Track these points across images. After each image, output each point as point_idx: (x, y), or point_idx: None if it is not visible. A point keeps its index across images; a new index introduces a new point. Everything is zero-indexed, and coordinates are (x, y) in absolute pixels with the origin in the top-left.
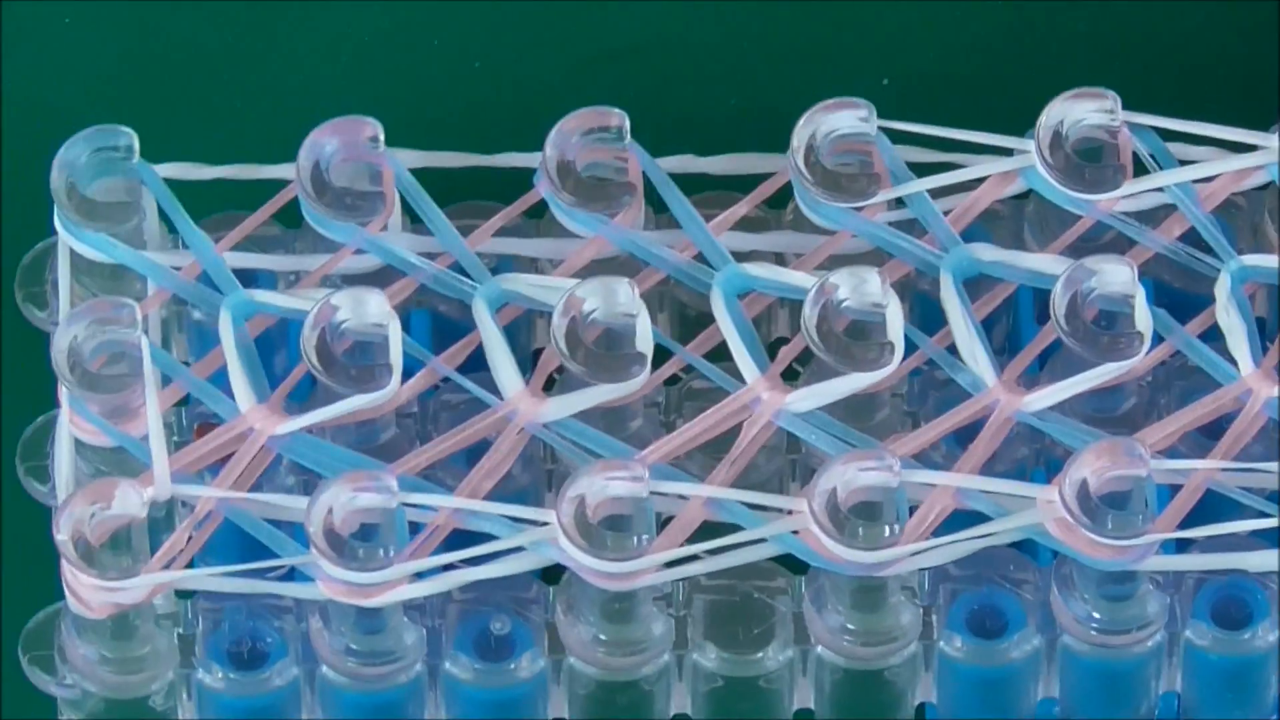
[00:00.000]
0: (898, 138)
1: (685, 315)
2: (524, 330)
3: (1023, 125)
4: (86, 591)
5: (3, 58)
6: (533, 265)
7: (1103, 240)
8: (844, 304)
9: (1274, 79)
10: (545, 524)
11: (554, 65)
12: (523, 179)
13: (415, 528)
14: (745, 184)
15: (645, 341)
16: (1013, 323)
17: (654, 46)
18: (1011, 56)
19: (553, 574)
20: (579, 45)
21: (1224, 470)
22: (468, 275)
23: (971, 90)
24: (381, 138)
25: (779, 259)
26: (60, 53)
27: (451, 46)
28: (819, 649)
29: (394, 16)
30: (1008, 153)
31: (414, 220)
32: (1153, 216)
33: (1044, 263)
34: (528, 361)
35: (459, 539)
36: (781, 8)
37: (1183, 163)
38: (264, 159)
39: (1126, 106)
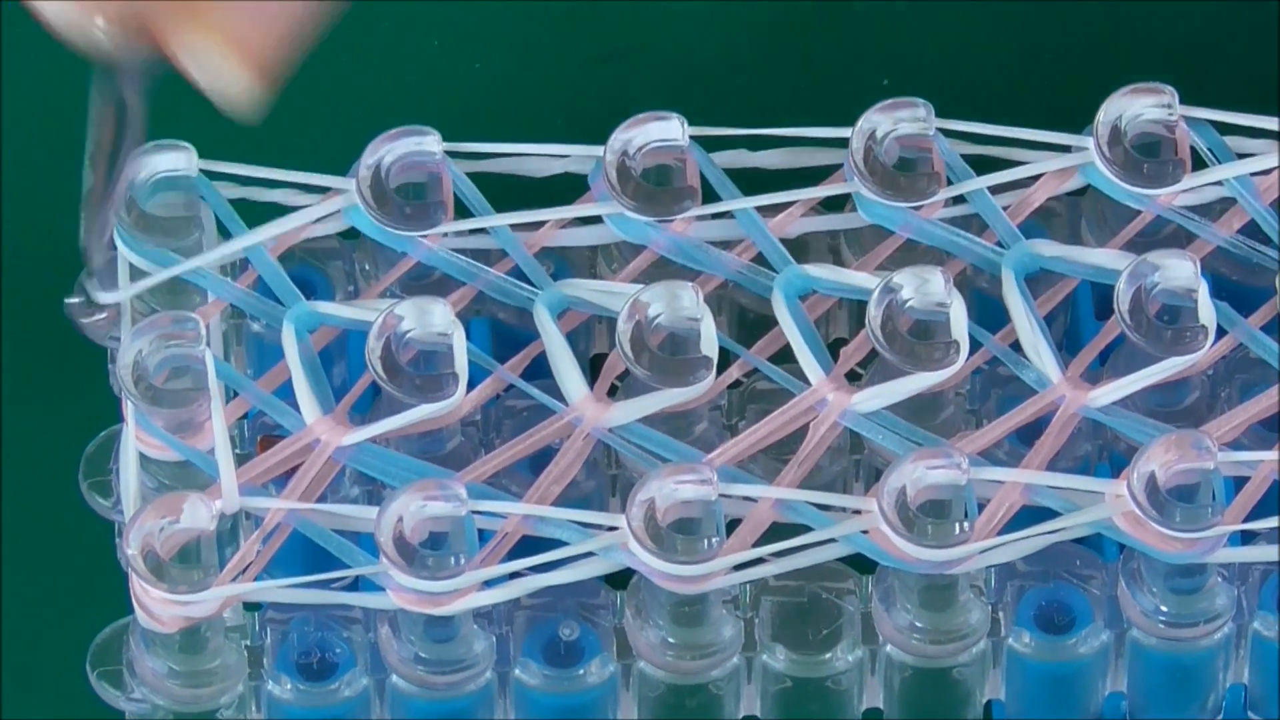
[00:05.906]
0: (950, 135)
1: (745, 318)
2: (582, 337)
3: (1022, 125)
4: (156, 605)
5: (2, 58)
6: (591, 273)
7: (1160, 235)
8: (908, 304)
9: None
10: (614, 529)
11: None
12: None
13: (482, 535)
14: (801, 178)
15: (710, 345)
16: (1070, 319)
17: (654, 46)
18: (1011, 57)
19: (619, 579)
20: (580, 45)
21: None
22: (528, 282)
23: (971, 90)
24: (440, 147)
25: None
26: (60, 53)
27: (488, 49)
28: (888, 648)
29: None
30: (1064, 149)
31: (471, 229)
32: (1208, 210)
33: (1106, 258)
34: (586, 368)
35: (524, 546)
36: (781, 8)
37: (1239, 156)
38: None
39: None
